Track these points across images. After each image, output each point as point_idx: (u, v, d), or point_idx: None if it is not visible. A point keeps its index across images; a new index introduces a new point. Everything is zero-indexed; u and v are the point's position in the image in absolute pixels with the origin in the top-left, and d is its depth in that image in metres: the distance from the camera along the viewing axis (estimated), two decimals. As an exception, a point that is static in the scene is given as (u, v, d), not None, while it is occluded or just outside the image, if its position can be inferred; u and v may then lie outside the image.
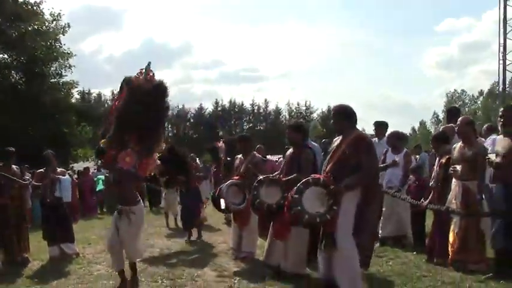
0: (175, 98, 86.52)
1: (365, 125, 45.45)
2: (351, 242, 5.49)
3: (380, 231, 8.77)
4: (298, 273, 6.61)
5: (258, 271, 7.07)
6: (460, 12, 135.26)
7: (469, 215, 6.70)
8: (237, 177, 8.08)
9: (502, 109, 6.87)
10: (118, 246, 6.54)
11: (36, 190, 9.67)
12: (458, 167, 6.76)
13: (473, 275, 6.35)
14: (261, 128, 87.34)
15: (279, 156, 16.79)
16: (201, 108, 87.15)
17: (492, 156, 6.50)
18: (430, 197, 7.40)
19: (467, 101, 78.57)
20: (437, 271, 6.76)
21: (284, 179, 6.77)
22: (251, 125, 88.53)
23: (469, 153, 6.71)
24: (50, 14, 29.64)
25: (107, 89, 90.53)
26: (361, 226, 5.54)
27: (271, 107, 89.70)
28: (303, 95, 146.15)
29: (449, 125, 8.12)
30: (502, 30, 31.25)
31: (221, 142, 13.10)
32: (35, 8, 28.78)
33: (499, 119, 6.75)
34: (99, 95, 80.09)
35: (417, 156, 11.29)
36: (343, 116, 5.85)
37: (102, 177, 18.72)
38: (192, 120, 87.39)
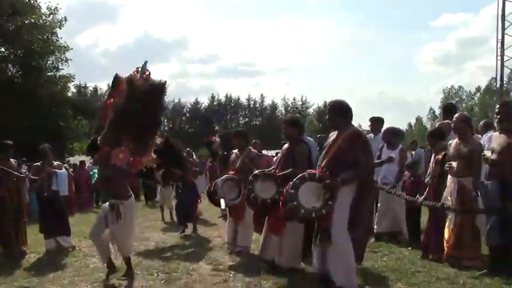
0: (172, 93, 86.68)
1: (361, 120, 45.54)
2: (345, 237, 5.51)
3: (375, 227, 8.81)
4: (293, 267, 6.63)
5: (253, 265, 7.08)
6: (458, 7, 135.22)
7: (464, 211, 6.71)
8: (232, 172, 8.09)
9: (498, 106, 6.85)
10: (100, 237, 6.63)
11: (32, 183, 9.67)
12: (454, 164, 6.76)
13: (468, 271, 6.37)
14: (257, 122, 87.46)
15: (277, 151, 16.78)
16: (197, 103, 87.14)
17: (488, 153, 6.50)
18: (425, 193, 7.42)
19: (464, 97, 78.83)
20: (432, 267, 6.78)
21: (279, 173, 6.79)
22: (247, 119, 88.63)
23: (465, 150, 6.71)
24: (47, 8, 29.55)
25: (103, 82, 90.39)
26: (356, 221, 5.56)
27: (267, 101, 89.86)
28: (299, 90, 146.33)
29: (445, 121, 8.12)
30: (500, 25, 31.06)
31: (216, 136, 13.10)
32: (31, 1, 28.69)
33: (495, 115, 6.73)
34: (95, 88, 79.98)
35: (413, 152, 11.30)
36: (339, 112, 5.86)
37: (99, 171, 18.69)
38: (188, 115, 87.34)
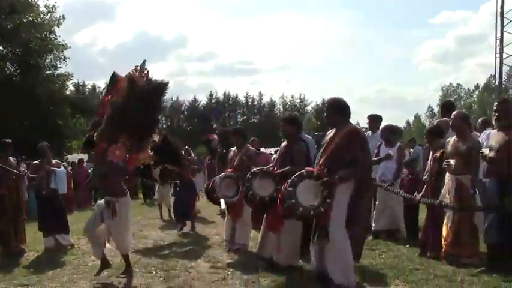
0: (170, 91, 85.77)
1: (359, 118, 45.52)
2: (343, 234, 5.52)
3: (373, 225, 8.81)
4: (291, 265, 6.63)
5: (251, 263, 7.09)
6: (457, 5, 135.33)
7: (462, 209, 6.72)
8: (230, 170, 8.09)
9: (496, 103, 6.84)
10: (95, 232, 6.64)
11: (31, 182, 9.68)
12: (452, 161, 6.77)
13: (466, 269, 6.37)
14: (255, 120, 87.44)
15: (276, 148, 16.81)
16: (195, 101, 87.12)
17: (486, 151, 6.51)
18: (423, 191, 7.43)
19: (463, 94, 78.69)
20: (430, 264, 6.79)
21: (277, 171, 6.79)
22: (245, 117, 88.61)
23: (463, 148, 6.71)
24: (45, 6, 29.68)
25: (101, 81, 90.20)
26: (353, 219, 5.57)
27: (266, 99, 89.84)
28: (298, 88, 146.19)
29: (444, 119, 8.12)
30: (499, 23, 31.03)
31: (215, 134, 13.11)
32: (30, 0, 28.68)
33: (493, 113, 6.74)
34: (94, 87, 79.76)
35: (411, 149, 11.31)
36: (337, 110, 5.86)
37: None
38: (186, 113, 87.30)
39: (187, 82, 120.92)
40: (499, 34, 31.23)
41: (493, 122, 6.88)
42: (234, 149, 8.44)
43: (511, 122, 6.44)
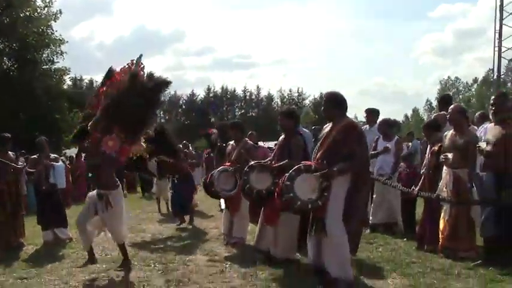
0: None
1: (358, 111, 45.54)
2: (340, 228, 5.52)
3: (371, 218, 8.84)
4: (288, 258, 6.66)
5: (249, 256, 7.12)
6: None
7: (459, 203, 6.74)
8: (228, 164, 8.11)
9: (493, 97, 6.85)
10: (85, 225, 6.71)
11: (30, 176, 9.69)
12: (450, 155, 6.78)
13: (462, 262, 6.40)
14: (253, 114, 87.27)
15: (275, 142, 16.84)
16: (193, 95, 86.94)
17: (483, 145, 6.51)
18: (419, 184, 7.45)
19: (461, 88, 78.63)
20: (426, 258, 6.82)
21: (275, 165, 6.81)
22: (243, 111, 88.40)
23: (460, 142, 6.72)
24: (42, 1, 29.53)
25: (99, 75, 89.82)
26: (350, 212, 5.57)
27: (263, 93, 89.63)
28: (295, 82, 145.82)
29: (441, 112, 8.14)
30: (498, 16, 30.90)
31: (214, 129, 13.11)
32: (26, -6, 28.63)
33: (490, 107, 6.73)
34: (91, 81, 79.50)
35: (409, 143, 11.33)
36: (334, 103, 5.85)
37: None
38: (184, 107, 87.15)
39: (185, 76, 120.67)
40: (498, 27, 31.12)
41: (490, 116, 6.90)
42: (232, 142, 8.45)
43: (508, 116, 6.46)
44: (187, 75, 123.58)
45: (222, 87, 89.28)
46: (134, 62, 6.99)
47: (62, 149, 28.27)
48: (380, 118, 9.75)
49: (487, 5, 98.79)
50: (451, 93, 51.28)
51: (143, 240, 9.05)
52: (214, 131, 11.64)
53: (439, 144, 7.15)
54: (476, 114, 8.93)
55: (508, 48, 32.19)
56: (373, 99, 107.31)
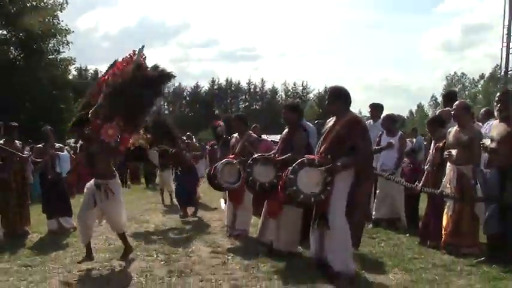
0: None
1: (362, 106, 45.38)
2: (343, 222, 5.55)
3: (374, 213, 8.86)
4: (290, 251, 6.68)
5: (252, 248, 7.16)
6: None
7: (463, 199, 6.74)
8: (232, 156, 8.12)
9: (498, 94, 6.81)
10: (86, 219, 6.69)
11: (35, 165, 9.74)
12: (454, 151, 6.78)
13: (465, 259, 6.40)
14: (257, 107, 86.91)
15: (278, 135, 16.85)
16: (197, 87, 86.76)
17: (487, 142, 6.51)
18: (423, 180, 7.45)
19: (467, 84, 78.03)
20: (429, 253, 6.83)
21: (278, 158, 6.82)
22: (247, 104, 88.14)
23: (465, 138, 6.72)
24: (48, -10, 29.47)
25: (104, 65, 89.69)
26: (353, 207, 5.60)
27: (268, 86, 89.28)
28: (300, 75, 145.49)
29: (446, 109, 8.13)
30: (507, 10, 30.53)
31: (221, 121, 13.11)
32: (33, -17, 28.62)
33: (495, 104, 6.71)
34: (96, 71, 79.26)
35: (413, 139, 11.32)
36: (338, 98, 5.87)
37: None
38: (188, 99, 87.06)
39: (190, 68, 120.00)
40: (506, 23, 30.76)
41: (495, 113, 6.88)
42: (236, 135, 8.47)
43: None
44: (192, 67, 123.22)
45: (227, 80, 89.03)
46: (136, 52, 7.01)
47: (66, 138, 28.37)
48: (384, 113, 9.74)
49: (495, 0, 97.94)
50: (457, 89, 51.09)
51: (146, 231, 9.10)
52: (221, 123, 11.64)
53: (444, 141, 7.14)
54: (482, 110, 8.92)
55: (516, 44, 31.90)
56: (377, 94, 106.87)
